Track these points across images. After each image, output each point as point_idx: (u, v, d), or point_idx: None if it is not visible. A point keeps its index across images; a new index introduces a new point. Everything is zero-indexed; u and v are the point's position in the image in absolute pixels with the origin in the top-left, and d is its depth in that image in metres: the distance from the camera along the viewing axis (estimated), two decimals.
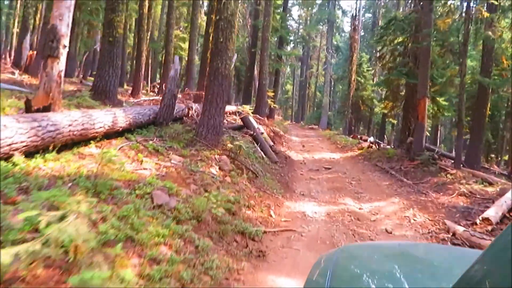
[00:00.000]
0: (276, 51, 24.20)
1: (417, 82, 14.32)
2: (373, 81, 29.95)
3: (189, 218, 4.33)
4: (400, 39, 14.93)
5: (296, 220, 6.69)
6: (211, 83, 7.90)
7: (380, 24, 32.33)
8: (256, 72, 24.58)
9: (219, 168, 7.04)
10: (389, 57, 15.89)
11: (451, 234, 6.51)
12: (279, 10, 24.82)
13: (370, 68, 31.02)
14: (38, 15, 20.58)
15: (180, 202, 4.52)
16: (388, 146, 17.27)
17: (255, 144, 10.98)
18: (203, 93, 16.45)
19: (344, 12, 45.75)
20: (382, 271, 1.51)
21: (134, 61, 18.67)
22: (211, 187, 5.75)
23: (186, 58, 19.08)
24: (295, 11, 51.43)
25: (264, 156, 10.85)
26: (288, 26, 29.08)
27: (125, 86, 22.60)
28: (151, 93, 20.02)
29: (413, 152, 13.02)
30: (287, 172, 11.27)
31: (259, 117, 18.48)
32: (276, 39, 26.95)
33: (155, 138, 7.45)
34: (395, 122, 18.59)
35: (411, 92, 15.28)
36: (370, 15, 49.56)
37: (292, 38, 37.35)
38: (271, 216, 6.44)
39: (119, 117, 6.79)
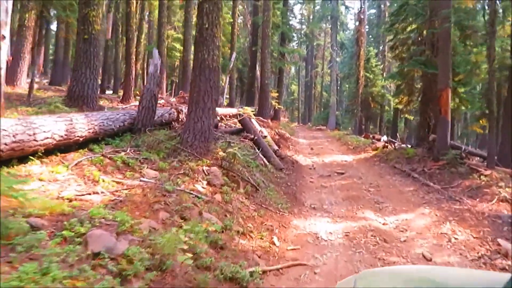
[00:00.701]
0: (278, 48, 22.76)
1: (436, 72, 12.77)
2: (382, 76, 28.35)
3: (146, 269, 2.88)
4: (414, 26, 13.37)
5: (306, 247, 5.21)
6: (197, 79, 6.47)
7: (386, 16, 30.77)
8: (258, 72, 23.14)
9: (208, 183, 5.60)
10: (402, 46, 14.35)
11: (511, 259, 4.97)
12: (279, 5, 23.38)
13: (379, 63, 29.41)
14: None
15: (134, 244, 3.07)
16: (405, 145, 15.69)
17: (256, 150, 9.52)
18: None
19: (347, 8, 44.08)
20: None
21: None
22: (191, 213, 4.30)
23: (182, 60, 17.71)
24: (297, 10, 49.96)
25: (267, 163, 9.39)
26: (290, 23, 27.58)
27: (120, 92, 21.30)
28: None
29: (437, 151, 11.46)
30: (294, 180, 9.78)
31: (263, 119, 17.04)
32: (277, 37, 25.57)
33: (128, 149, 6.03)
34: (411, 118, 17.04)
35: (428, 83, 13.71)
36: (374, 10, 47.93)
37: (295, 36, 35.85)
38: (273, 244, 4.98)
39: (78, 124, 5.37)
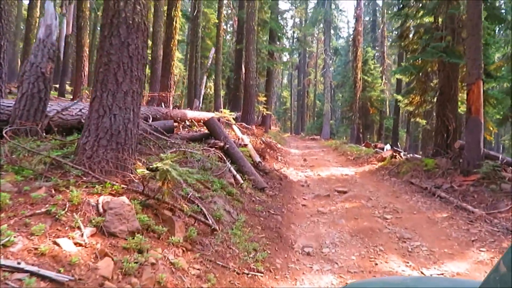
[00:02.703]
0: (266, 47, 20.13)
1: (459, 62, 10.19)
2: (381, 79, 25.82)
3: None
4: (431, 6, 10.78)
5: None
6: (105, 43, 3.75)
7: (385, 14, 28.44)
8: (244, 73, 20.48)
9: (97, 233, 2.83)
10: (413, 34, 11.78)
11: None
12: (267, 0, 20.81)
13: (378, 65, 26.88)
14: None
15: None
16: (419, 155, 13.04)
17: (227, 162, 6.77)
18: (165, 94, 12.40)
19: (341, 11, 41.80)
20: None
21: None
22: None
23: (151, 56, 15.00)
24: (289, 16, 47.67)
25: (242, 181, 6.63)
26: (279, 20, 25.03)
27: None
28: None
29: (467, 162, 8.79)
30: (280, 204, 7.03)
31: (246, 125, 14.31)
32: (266, 37, 23.03)
33: None
34: (423, 122, 14.48)
35: (447, 80, 11.13)
36: (368, 18, 45.78)
37: (285, 35, 33.33)
38: None
39: None
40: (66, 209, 2.87)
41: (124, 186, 3.46)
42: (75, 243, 2.59)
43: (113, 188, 3.39)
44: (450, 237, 5.57)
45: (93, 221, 2.86)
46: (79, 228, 2.75)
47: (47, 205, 2.83)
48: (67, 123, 5.32)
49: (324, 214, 6.85)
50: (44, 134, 4.68)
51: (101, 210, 3.00)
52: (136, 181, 3.56)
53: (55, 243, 2.51)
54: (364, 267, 4.52)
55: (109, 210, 2.96)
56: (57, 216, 2.76)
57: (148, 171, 3.44)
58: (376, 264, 4.59)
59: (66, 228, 2.73)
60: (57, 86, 17.75)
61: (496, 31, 11.60)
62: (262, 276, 3.77)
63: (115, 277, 2.49)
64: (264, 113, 20.33)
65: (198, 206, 4.32)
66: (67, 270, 2.31)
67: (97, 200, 3.10)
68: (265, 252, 4.35)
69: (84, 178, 3.42)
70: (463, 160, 9.04)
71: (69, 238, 2.61)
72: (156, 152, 5.48)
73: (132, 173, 3.65)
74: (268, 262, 4.16)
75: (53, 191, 3.06)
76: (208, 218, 4.23)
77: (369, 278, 4.21)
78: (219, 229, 4.22)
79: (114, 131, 3.68)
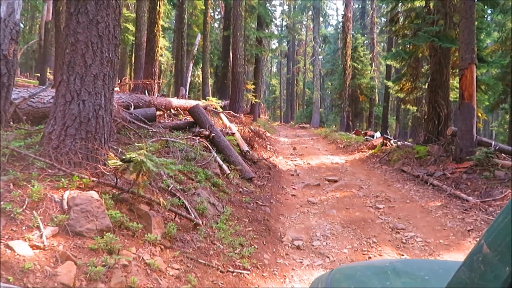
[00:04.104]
0: (254, 33, 19.66)
1: (452, 47, 9.96)
2: (371, 67, 25.54)
3: None
4: None
5: None
6: (72, 20, 3.36)
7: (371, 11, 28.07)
8: (231, 60, 20.03)
9: (59, 232, 2.50)
10: (404, 19, 11.48)
11: None
12: None
13: (367, 52, 26.57)
14: None
15: None
16: (410, 142, 12.85)
17: (212, 151, 6.44)
18: (149, 81, 11.97)
19: None
20: None
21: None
22: None
23: (134, 43, 14.48)
24: (278, 3, 47.00)
25: (228, 171, 6.32)
26: (268, 6, 24.51)
27: None
28: None
29: (460, 148, 8.60)
30: (269, 194, 6.75)
31: (234, 114, 13.96)
32: (254, 24, 22.51)
33: None
34: (414, 109, 14.26)
35: (438, 66, 10.89)
36: (357, 5, 45.31)
37: (275, 25, 32.84)
38: None
39: None
40: (24, 206, 2.54)
41: (94, 179, 3.12)
42: (32, 246, 2.26)
43: (81, 182, 3.06)
44: (445, 227, 5.36)
45: (56, 219, 2.54)
46: (38, 228, 2.42)
47: (2, 202, 2.49)
48: (37, 111, 4.93)
49: (315, 204, 6.60)
50: (11, 123, 4.30)
51: (65, 206, 2.67)
52: (108, 173, 3.23)
53: (7, 246, 2.18)
54: (357, 260, 4.27)
55: (75, 207, 2.63)
56: (13, 215, 2.43)
57: (121, 162, 3.11)
58: (370, 257, 4.35)
59: (23, 228, 2.40)
60: (39, 75, 17.14)
61: (488, 16, 11.35)
62: (248, 274, 3.49)
63: (77, 283, 2.18)
64: (253, 101, 19.97)
65: (179, 199, 4.02)
66: (18, 279, 1.99)
67: (62, 196, 2.77)
68: (252, 247, 4.07)
69: (49, 171, 3.08)
70: (455, 147, 8.84)
71: (25, 240, 2.29)
72: (136, 142, 5.14)
73: (105, 165, 3.31)
74: (255, 258, 3.88)
75: (11, 186, 2.71)
76: (191, 211, 3.93)
77: (357, 262, 4.10)
78: (202, 223, 3.93)
79: (83, 118, 3.33)
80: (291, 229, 5.25)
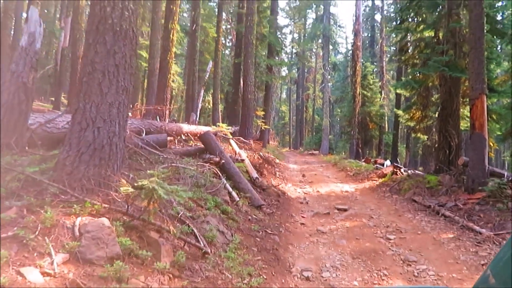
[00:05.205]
0: (265, 60, 19.98)
1: (462, 76, 10.00)
2: (381, 94, 25.65)
3: None
4: (430, 21, 10.64)
5: None
6: (90, 50, 3.48)
7: (384, 29, 28.46)
8: (242, 86, 20.31)
9: (69, 260, 2.51)
10: (413, 48, 11.60)
11: None
12: (265, 14, 20.74)
13: (377, 80, 26.75)
14: None
15: None
16: (421, 172, 12.74)
17: (222, 178, 6.46)
18: (160, 107, 12.14)
19: (339, 27, 41.85)
20: None
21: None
22: None
23: (148, 70, 14.80)
24: (288, 31, 47.86)
25: (237, 198, 6.31)
26: (278, 35, 24.99)
27: None
28: None
29: (471, 179, 8.50)
30: (278, 223, 6.70)
31: (244, 140, 14.03)
32: (264, 52, 22.90)
33: None
34: (424, 138, 14.21)
35: (448, 95, 10.92)
36: (366, 34, 45.96)
37: (285, 52, 33.34)
38: None
39: None
40: (37, 233, 2.56)
41: (106, 205, 3.15)
42: (43, 273, 2.27)
43: (93, 208, 3.09)
44: (458, 260, 5.24)
45: (67, 246, 2.55)
46: (49, 254, 2.43)
47: (15, 228, 2.52)
48: (52, 136, 5.02)
49: (324, 233, 6.52)
50: (27, 148, 4.38)
51: (77, 233, 2.69)
52: (119, 200, 3.25)
53: (18, 273, 2.19)
54: None
55: (86, 234, 2.65)
56: (25, 241, 2.45)
57: (133, 189, 3.14)
58: None
59: (35, 254, 2.41)
60: (53, 99, 17.51)
61: (497, 46, 11.43)
62: None
63: None
64: (263, 128, 20.08)
65: (189, 226, 4.01)
66: None
67: (74, 222, 2.79)
68: (261, 277, 4.01)
69: (62, 197, 3.11)
70: (467, 177, 8.74)
71: (36, 266, 2.30)
72: (147, 168, 5.18)
73: (117, 192, 3.34)
74: None
75: (25, 212, 2.75)
76: (200, 239, 3.91)
77: None
78: (211, 252, 3.90)
79: (97, 145, 3.39)
80: (300, 259, 5.18)
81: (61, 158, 3.38)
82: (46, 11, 30.31)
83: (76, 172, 3.27)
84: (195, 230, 4.02)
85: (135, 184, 3.10)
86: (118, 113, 3.52)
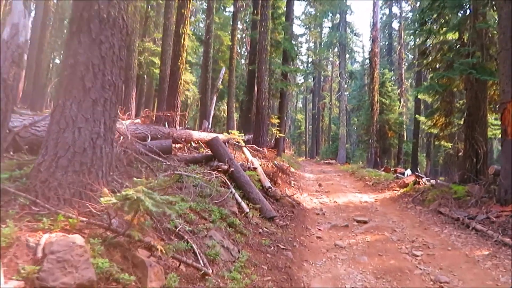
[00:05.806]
0: (280, 67, 19.53)
1: (492, 79, 9.32)
2: (400, 102, 24.87)
3: None
4: (455, 22, 10.01)
5: None
6: (73, 40, 3.03)
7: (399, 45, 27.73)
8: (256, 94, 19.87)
9: None
10: (435, 52, 10.96)
11: None
12: (280, 21, 20.33)
13: (395, 87, 25.97)
14: None
15: None
16: (445, 182, 11.98)
17: (231, 187, 5.94)
18: (170, 113, 11.74)
19: (356, 35, 41.19)
20: None
21: None
22: None
23: (159, 76, 14.47)
24: (304, 40, 47.43)
25: (247, 210, 5.77)
26: (293, 41, 24.55)
27: None
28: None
29: (504, 189, 7.78)
30: (292, 236, 6.13)
31: (257, 148, 13.52)
32: (279, 59, 22.48)
33: None
34: (448, 145, 13.48)
35: (475, 100, 10.23)
36: (383, 42, 45.21)
37: (300, 61, 32.90)
38: None
39: None
40: None
41: (84, 219, 2.66)
42: None
43: (67, 222, 2.60)
44: (498, 282, 4.59)
45: (23, 271, 2.05)
46: None
47: None
48: (42, 140, 4.60)
49: (343, 248, 5.92)
50: (12, 153, 3.95)
51: (39, 254, 2.20)
52: (99, 213, 2.76)
53: None
54: None
55: (50, 255, 2.16)
56: None
57: (115, 200, 2.64)
58: None
59: None
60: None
61: None
62: None
63: None
64: (277, 136, 19.55)
65: (187, 242, 3.50)
66: None
67: (39, 240, 2.31)
68: None
69: (34, 208, 2.64)
70: (499, 187, 8.02)
71: None
72: (147, 175, 4.70)
73: (99, 203, 2.86)
74: None
75: None
76: (199, 258, 3.39)
77: None
78: (212, 272, 3.37)
79: (77, 148, 2.92)
80: (316, 278, 4.60)
81: (36, 163, 2.92)
82: None
83: (51, 179, 2.80)
84: (195, 247, 3.50)
85: (117, 194, 2.61)
86: (103, 112, 3.06)
